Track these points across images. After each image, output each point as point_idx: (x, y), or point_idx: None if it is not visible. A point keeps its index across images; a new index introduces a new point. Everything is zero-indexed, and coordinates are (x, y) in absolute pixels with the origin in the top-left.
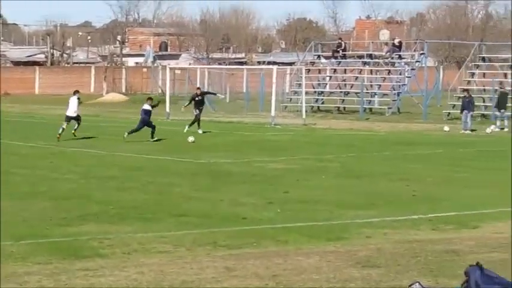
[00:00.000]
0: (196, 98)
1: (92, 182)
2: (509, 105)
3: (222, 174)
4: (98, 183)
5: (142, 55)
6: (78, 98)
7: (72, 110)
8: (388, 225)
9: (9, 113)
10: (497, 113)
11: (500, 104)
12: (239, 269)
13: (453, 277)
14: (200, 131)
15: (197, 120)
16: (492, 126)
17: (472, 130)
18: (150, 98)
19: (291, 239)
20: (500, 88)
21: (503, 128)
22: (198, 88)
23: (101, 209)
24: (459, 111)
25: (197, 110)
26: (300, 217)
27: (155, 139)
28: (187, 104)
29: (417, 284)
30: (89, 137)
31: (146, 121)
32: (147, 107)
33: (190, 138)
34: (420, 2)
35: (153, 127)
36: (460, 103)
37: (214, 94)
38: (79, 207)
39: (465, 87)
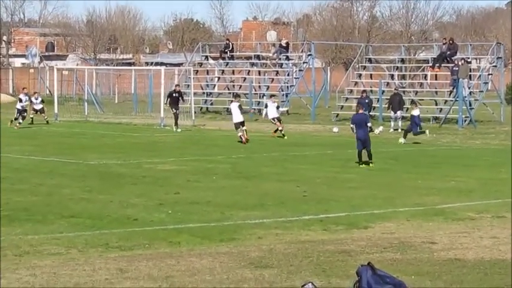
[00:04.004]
0: (174, 95)
1: None
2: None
3: (112, 175)
4: None
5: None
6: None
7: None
8: (280, 225)
9: None
10: (392, 114)
11: (394, 105)
12: (132, 270)
13: (345, 277)
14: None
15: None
16: (381, 128)
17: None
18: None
19: (183, 240)
20: (395, 90)
21: (397, 129)
22: (177, 85)
23: None
24: (350, 111)
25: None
26: (191, 218)
27: None
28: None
29: (310, 284)
30: None
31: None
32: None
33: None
34: (306, 3)
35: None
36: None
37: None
38: None
39: (364, 88)
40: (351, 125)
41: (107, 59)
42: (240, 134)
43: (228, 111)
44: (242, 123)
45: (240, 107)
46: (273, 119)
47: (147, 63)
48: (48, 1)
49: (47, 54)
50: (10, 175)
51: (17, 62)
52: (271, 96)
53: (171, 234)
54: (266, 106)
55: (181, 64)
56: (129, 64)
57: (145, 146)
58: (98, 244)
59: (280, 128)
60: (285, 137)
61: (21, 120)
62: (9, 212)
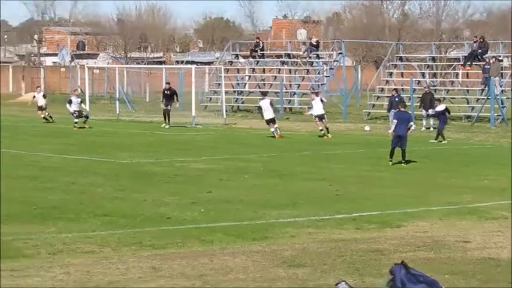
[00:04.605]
0: (166, 92)
1: (12, 182)
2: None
3: (145, 174)
4: (19, 183)
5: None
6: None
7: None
8: (313, 224)
9: None
10: (423, 113)
11: (425, 104)
12: (165, 269)
13: (379, 276)
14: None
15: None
16: (413, 126)
17: None
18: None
19: (216, 238)
20: (426, 88)
21: (428, 128)
22: (168, 83)
23: (23, 210)
24: (381, 110)
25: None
26: (224, 217)
27: None
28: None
29: (343, 283)
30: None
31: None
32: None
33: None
34: (336, 1)
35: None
36: (387, 102)
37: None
38: (2, 208)
39: (395, 87)
40: (394, 120)
41: (137, 58)
42: (272, 129)
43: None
44: (273, 120)
45: (271, 103)
46: (316, 116)
47: (177, 62)
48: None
49: (78, 53)
50: (42, 174)
51: (48, 61)
52: (314, 93)
53: (204, 233)
54: (311, 107)
55: (212, 63)
56: (160, 63)
57: (177, 144)
58: (131, 242)
59: (323, 127)
60: (325, 136)
61: (76, 120)
62: (41, 211)
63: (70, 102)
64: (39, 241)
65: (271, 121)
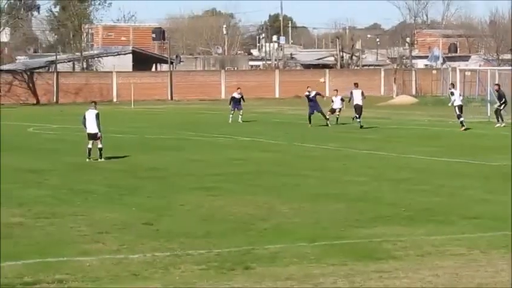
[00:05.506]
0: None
1: (383, 184)
2: None
3: None
4: (390, 185)
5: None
6: None
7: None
8: None
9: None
10: None
11: None
12: None
13: None
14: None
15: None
16: None
17: None
18: None
19: None
20: None
21: None
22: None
23: (392, 211)
24: None
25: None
26: None
27: None
28: None
29: None
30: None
31: None
32: None
33: None
34: None
35: None
36: None
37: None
38: (371, 209)
39: None
40: None
41: (509, 60)
42: None
43: None
44: None
45: None
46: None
47: None
48: (450, 1)
49: (449, 55)
50: (413, 176)
51: (420, 64)
52: None
53: None
54: None
55: None
56: None
57: None
58: (501, 245)
59: None
60: None
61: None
62: (411, 213)
63: (452, 94)
64: (408, 243)
65: None
